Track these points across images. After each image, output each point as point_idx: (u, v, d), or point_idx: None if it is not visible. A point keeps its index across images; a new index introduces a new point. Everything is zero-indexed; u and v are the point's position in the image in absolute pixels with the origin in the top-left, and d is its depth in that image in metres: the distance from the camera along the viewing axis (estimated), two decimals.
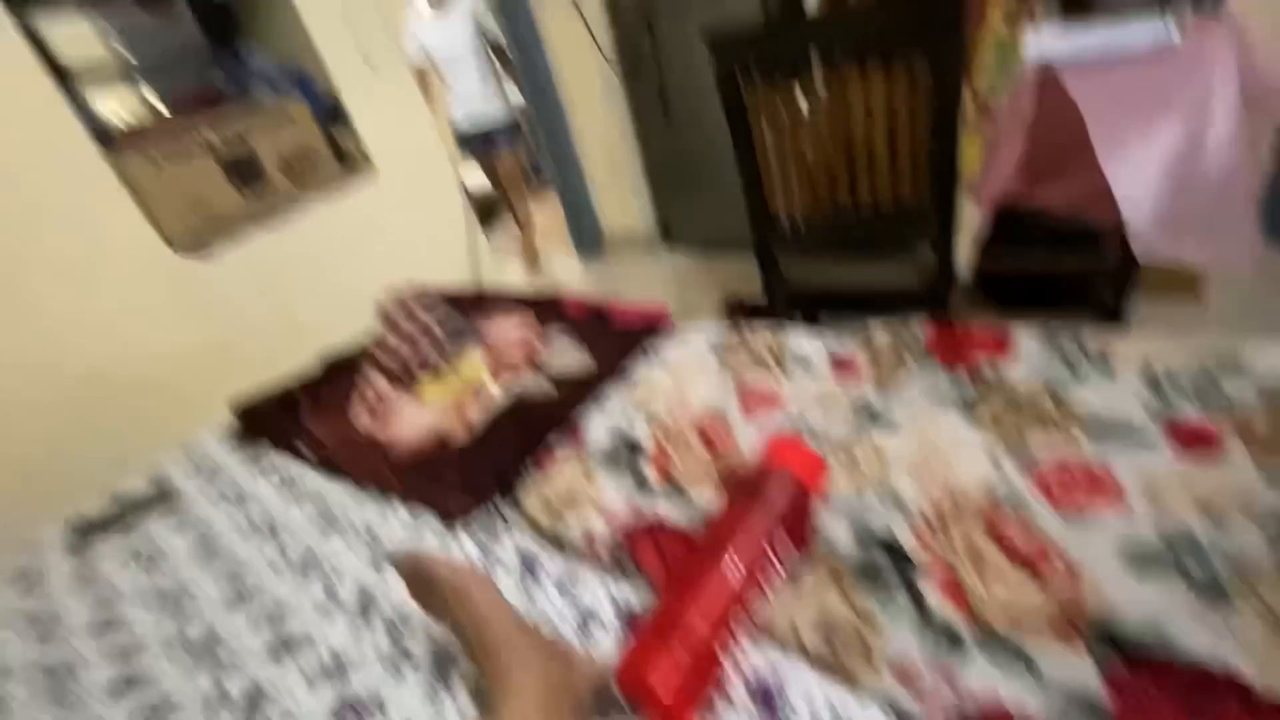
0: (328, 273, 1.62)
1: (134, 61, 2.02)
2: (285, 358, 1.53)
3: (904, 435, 0.64)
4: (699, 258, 2.85)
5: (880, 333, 0.78)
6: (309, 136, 1.55)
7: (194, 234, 1.38)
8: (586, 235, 3.05)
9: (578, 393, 0.84)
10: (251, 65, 1.63)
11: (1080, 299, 1.73)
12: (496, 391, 0.92)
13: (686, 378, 0.81)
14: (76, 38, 1.44)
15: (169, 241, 1.35)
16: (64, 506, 1.09)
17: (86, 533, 0.93)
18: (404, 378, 1.02)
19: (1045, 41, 1.28)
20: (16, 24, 1.15)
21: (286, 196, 1.53)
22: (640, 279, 2.80)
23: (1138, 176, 1.28)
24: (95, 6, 1.50)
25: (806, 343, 0.81)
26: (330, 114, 1.62)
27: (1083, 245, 1.59)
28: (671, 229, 2.94)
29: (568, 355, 0.93)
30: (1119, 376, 0.63)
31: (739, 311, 2.02)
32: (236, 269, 1.47)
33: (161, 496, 0.98)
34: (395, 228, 1.77)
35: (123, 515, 0.95)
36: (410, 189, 1.82)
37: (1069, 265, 1.62)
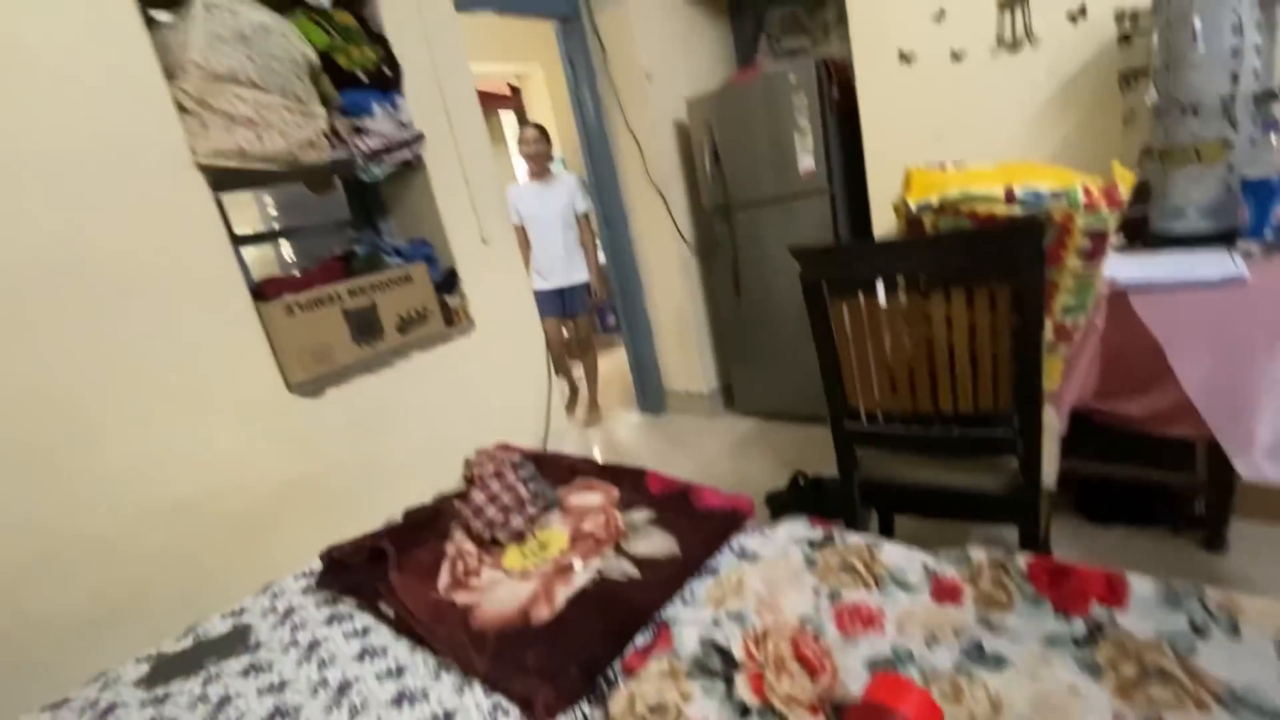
0: (420, 421, 1.73)
1: (283, 225, 2.35)
2: (371, 500, 1.60)
3: (1015, 676, 0.61)
4: (759, 423, 2.89)
5: (980, 556, 0.77)
6: (424, 298, 1.74)
7: (311, 379, 1.52)
8: (650, 393, 3.17)
9: (662, 583, 0.84)
10: (385, 237, 1.89)
11: (1173, 513, 1.65)
12: (579, 567, 0.93)
13: (776, 582, 0.81)
14: (241, 204, 1.70)
15: (288, 383, 1.49)
16: (144, 637, 1.12)
17: (163, 672, 0.94)
18: (488, 541, 1.05)
19: (1118, 270, 1.36)
20: (213, 198, 1.39)
21: (396, 350, 1.68)
22: (700, 438, 2.84)
23: (1226, 396, 1.27)
24: (272, 186, 1.81)
25: (903, 558, 0.80)
26: (445, 279, 1.83)
27: (1173, 457, 1.55)
28: (734, 395, 3.02)
29: (652, 538, 0.95)
30: (1247, 640, 0.60)
31: (806, 484, 2.01)
32: (336, 409, 1.58)
33: (238, 637, 0.99)
34: (484, 382, 1.90)
35: (199, 656, 0.97)
36: (502, 347, 1.97)
37: (1158, 478, 1.57)
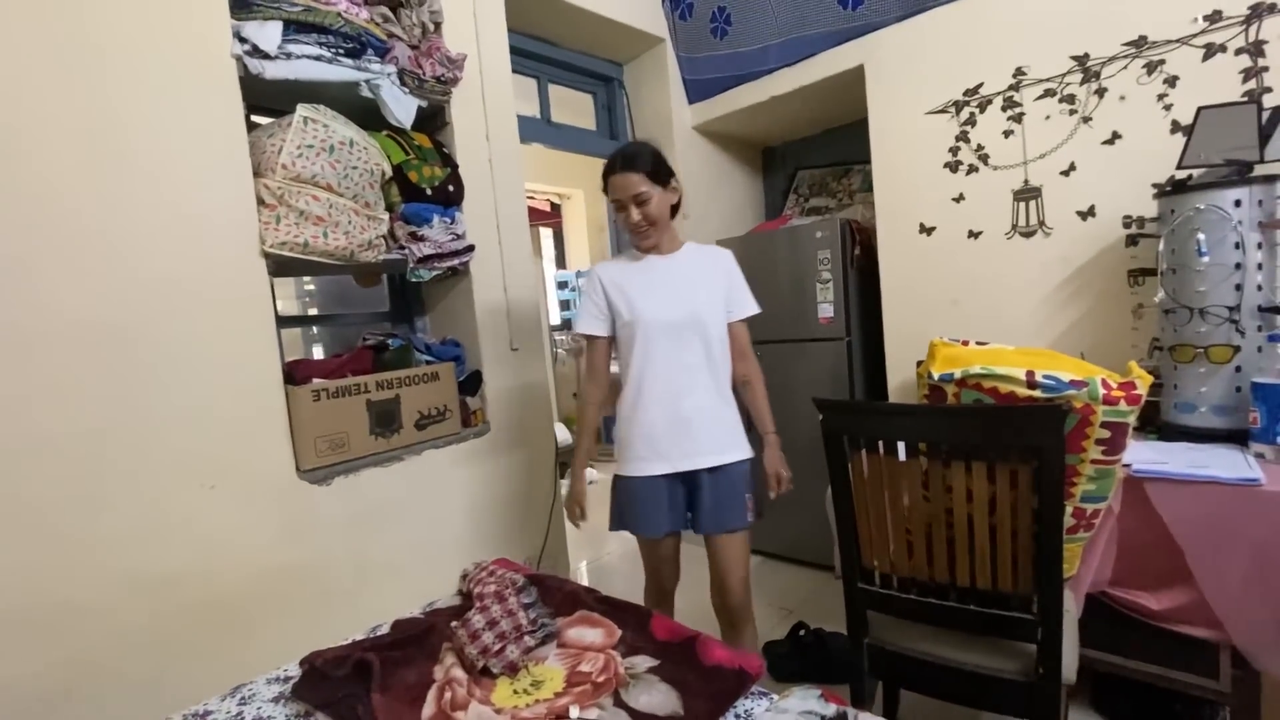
0: (420, 521, 1.70)
1: (319, 305, 2.45)
2: (358, 599, 1.55)
3: None
4: (760, 562, 2.79)
5: None
6: (447, 397, 1.77)
7: (323, 466, 1.51)
8: None
9: None
10: (419, 333, 1.96)
11: (1197, 716, 1.55)
12: (575, 714, 0.88)
13: None
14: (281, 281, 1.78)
15: (298, 468, 1.49)
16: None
17: None
18: (479, 670, 0.99)
19: (1138, 458, 1.38)
20: (269, 282, 1.46)
21: (409, 445, 1.69)
22: (700, 569, 2.73)
23: (1249, 609, 1.24)
24: (320, 275, 1.91)
25: None
26: (470, 379, 1.87)
27: (1195, 658, 1.48)
28: None
29: (654, 692, 0.90)
30: None
31: (807, 638, 1.91)
32: (340, 499, 1.56)
33: None
34: (490, 488, 1.88)
35: None
36: (513, 454, 1.97)
37: (1179, 680, 1.49)
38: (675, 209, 1.53)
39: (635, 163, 1.43)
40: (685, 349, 1.47)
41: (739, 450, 1.51)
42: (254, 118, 1.51)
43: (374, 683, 0.96)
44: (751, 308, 1.57)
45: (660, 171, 1.45)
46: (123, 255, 1.25)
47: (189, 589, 1.31)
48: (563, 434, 3.26)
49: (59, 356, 1.17)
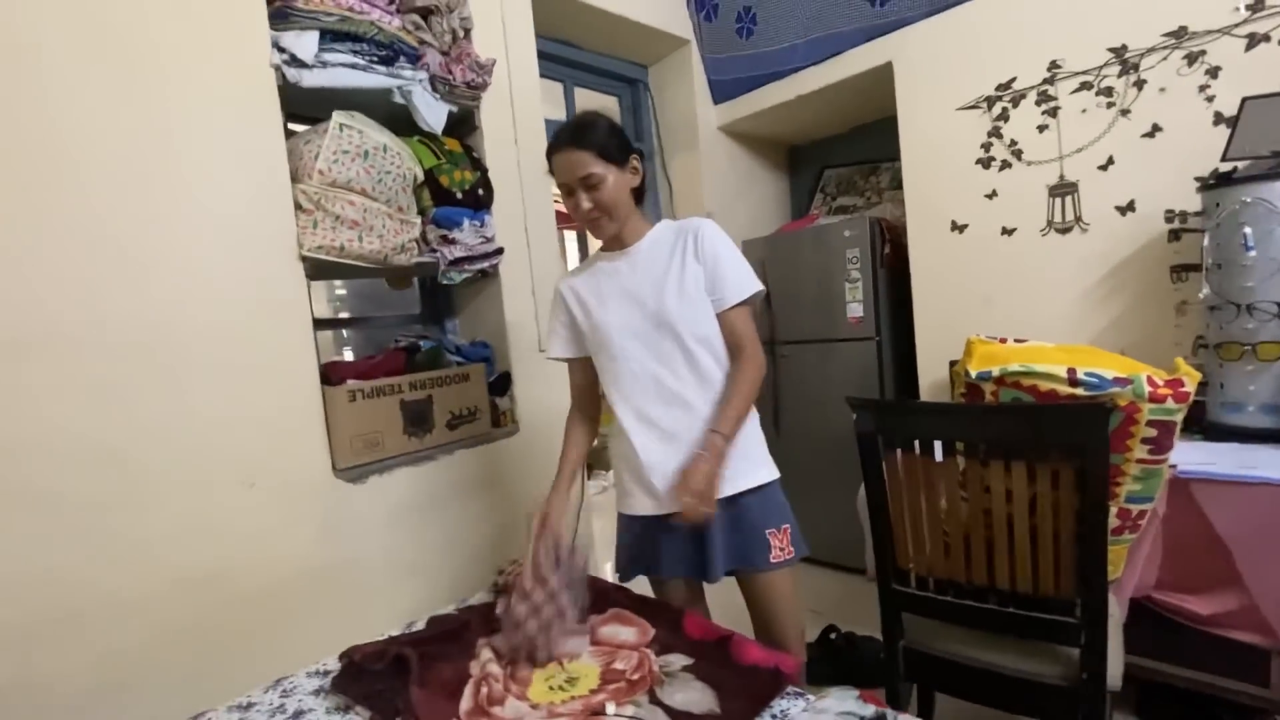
0: (451, 519, 1.72)
1: (350, 307, 2.49)
2: (392, 596, 1.57)
3: None
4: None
5: None
6: (477, 398, 1.79)
7: (358, 465, 1.54)
8: None
9: None
10: (449, 335, 1.98)
11: None
12: (612, 710, 0.88)
13: None
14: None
15: (334, 467, 1.52)
16: (142, 716, 1.07)
17: None
18: (522, 659, 1.01)
19: (1184, 458, 1.34)
20: (306, 285, 1.50)
21: (441, 445, 1.71)
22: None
23: None
24: (355, 278, 1.95)
25: None
26: (499, 380, 1.89)
27: (1243, 665, 1.43)
28: None
29: (690, 690, 0.90)
30: None
31: (839, 641, 1.89)
32: (375, 498, 1.59)
33: None
34: (519, 487, 1.90)
35: None
36: (542, 453, 1.98)
37: (1229, 689, 1.44)
38: (639, 194, 1.25)
39: (583, 137, 1.16)
40: (661, 360, 1.20)
41: (752, 475, 1.21)
42: (290, 125, 1.55)
43: (412, 677, 0.98)
44: (740, 289, 1.20)
45: (615, 147, 1.17)
46: (167, 260, 1.29)
47: (230, 585, 1.34)
48: None
49: (106, 360, 1.21)
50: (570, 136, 1.17)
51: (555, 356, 1.37)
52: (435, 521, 1.69)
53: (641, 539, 1.26)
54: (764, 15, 2.53)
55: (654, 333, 1.20)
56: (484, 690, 0.95)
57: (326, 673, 1.09)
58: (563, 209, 2.34)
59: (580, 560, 1.17)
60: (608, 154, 1.17)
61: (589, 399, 1.38)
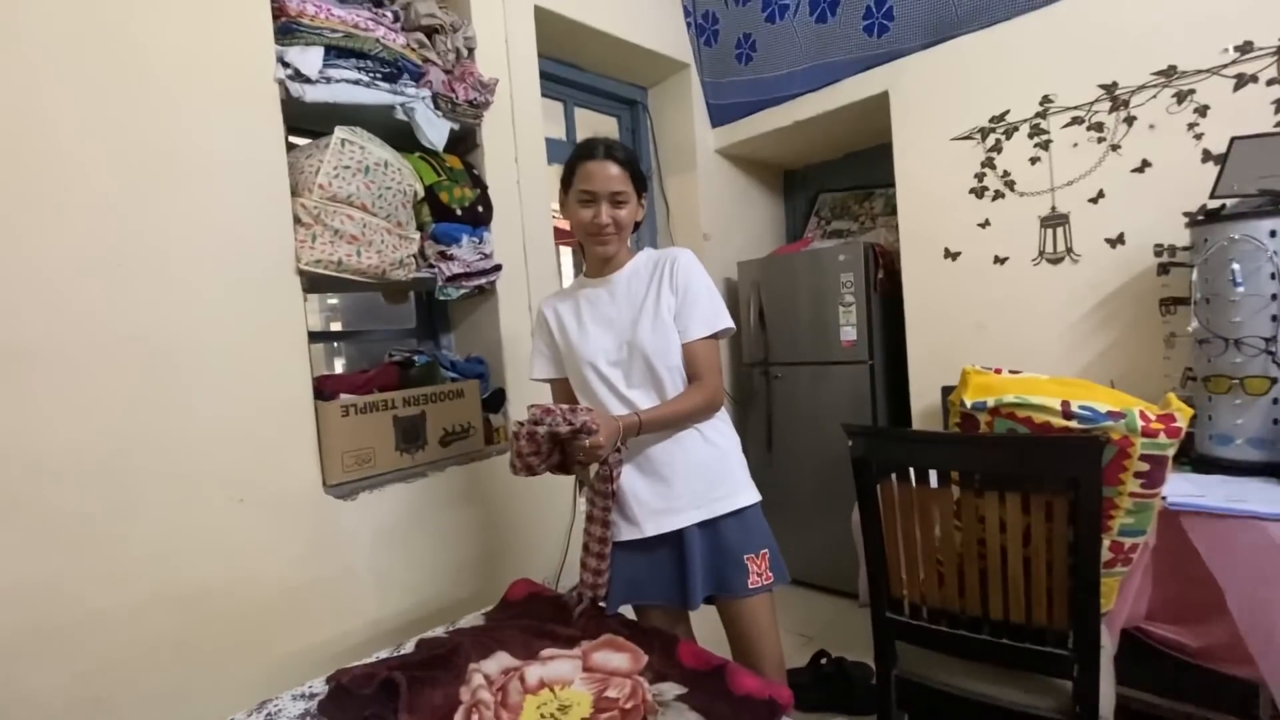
0: (441, 538, 1.70)
1: (344, 321, 2.48)
2: (380, 615, 1.55)
3: None
4: (779, 588, 2.75)
5: None
6: (471, 414, 1.78)
7: (349, 480, 1.52)
8: None
9: None
10: (444, 350, 1.98)
11: None
12: None
13: None
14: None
15: (325, 483, 1.50)
16: None
17: None
18: (506, 687, 0.99)
19: (1174, 490, 1.35)
20: (302, 299, 1.49)
21: (433, 462, 1.70)
22: None
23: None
24: (352, 291, 1.94)
25: None
26: (494, 398, 1.88)
27: (1237, 698, 1.44)
28: None
29: None
30: None
31: (828, 666, 1.87)
32: (364, 514, 1.57)
33: None
34: (510, 505, 1.88)
35: None
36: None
37: None
38: (635, 228, 1.32)
39: (624, 157, 1.22)
40: (634, 386, 1.23)
41: (733, 499, 1.23)
42: (292, 138, 1.55)
43: (401, 703, 0.96)
44: (705, 323, 1.22)
45: (640, 179, 1.26)
46: (161, 270, 1.28)
47: (216, 601, 1.32)
48: None
49: (95, 370, 1.20)
50: (611, 151, 1.21)
51: (537, 377, 1.41)
52: (426, 539, 1.67)
53: (622, 566, 1.25)
54: (763, 42, 2.57)
55: (628, 360, 1.23)
56: (475, 717, 0.93)
57: (313, 695, 1.07)
58: (561, 225, 2.34)
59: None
60: (637, 181, 1.24)
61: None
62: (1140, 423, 1.01)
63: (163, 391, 1.27)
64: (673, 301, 1.23)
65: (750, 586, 1.20)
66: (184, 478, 1.29)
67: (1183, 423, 1.01)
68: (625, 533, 1.24)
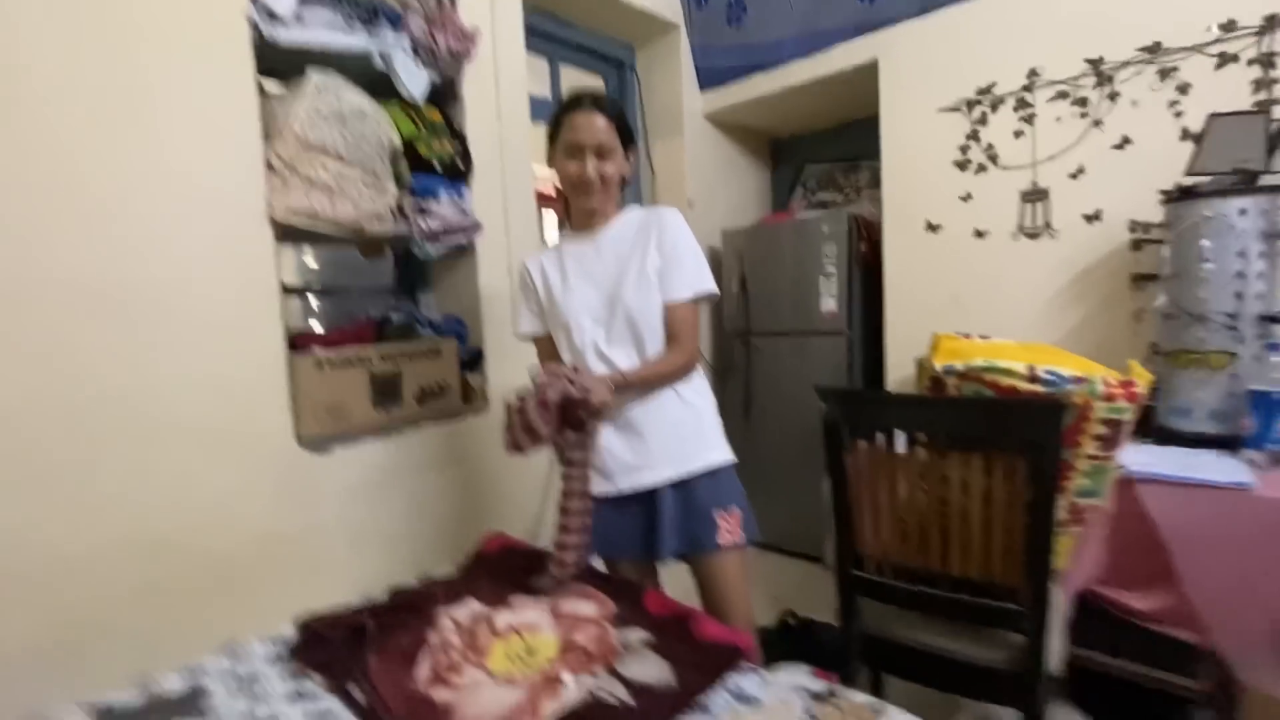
0: (417, 494, 1.71)
1: (321, 278, 2.44)
2: (352, 569, 1.55)
3: None
4: (753, 552, 2.81)
5: None
6: (448, 373, 1.77)
7: (322, 434, 1.52)
8: None
9: (656, 716, 0.80)
10: (423, 309, 1.96)
11: (1174, 719, 1.57)
12: (569, 681, 0.89)
13: None
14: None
15: (298, 435, 1.49)
16: (89, 679, 1.04)
17: None
18: (473, 637, 1.00)
19: (1132, 459, 1.39)
20: (274, 249, 1.46)
21: (409, 419, 1.69)
22: None
23: (1232, 610, 1.26)
24: (322, 245, 1.91)
25: None
26: (471, 357, 1.87)
27: (1181, 660, 1.50)
28: None
29: (647, 663, 0.91)
30: None
31: (796, 627, 1.93)
32: (339, 469, 1.57)
33: (191, 699, 0.93)
34: (487, 464, 1.89)
35: (147, 714, 0.90)
36: None
37: (1162, 680, 1.51)
38: (621, 184, 1.29)
39: (610, 109, 1.20)
40: (614, 343, 1.23)
41: (706, 456, 1.24)
42: (266, 85, 1.50)
43: (370, 645, 0.97)
44: (690, 285, 1.21)
45: (628, 132, 1.24)
46: (128, 217, 1.24)
47: (184, 549, 1.31)
48: None
49: (60, 317, 1.17)
50: (597, 103, 1.20)
51: (523, 332, 1.40)
52: (400, 496, 1.68)
53: (601, 520, 1.24)
54: (753, 6, 2.53)
55: (610, 316, 1.23)
56: (442, 659, 0.95)
57: (281, 640, 1.08)
58: (544, 190, 2.29)
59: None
60: (624, 134, 1.23)
61: None
62: (1102, 388, 1.04)
63: (128, 335, 1.25)
64: (658, 261, 1.22)
65: (720, 543, 1.22)
66: (151, 424, 1.27)
67: (1142, 388, 1.04)
68: (600, 486, 1.25)
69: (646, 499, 1.24)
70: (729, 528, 1.24)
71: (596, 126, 1.18)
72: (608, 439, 1.25)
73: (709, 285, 1.25)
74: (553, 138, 1.26)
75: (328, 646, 1.00)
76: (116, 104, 1.22)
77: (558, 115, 1.24)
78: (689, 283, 1.23)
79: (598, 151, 1.19)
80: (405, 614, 1.08)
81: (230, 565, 1.37)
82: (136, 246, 1.25)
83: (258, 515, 1.42)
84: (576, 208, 1.28)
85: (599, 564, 1.32)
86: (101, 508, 1.22)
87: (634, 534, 1.26)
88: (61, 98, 1.16)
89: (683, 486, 1.23)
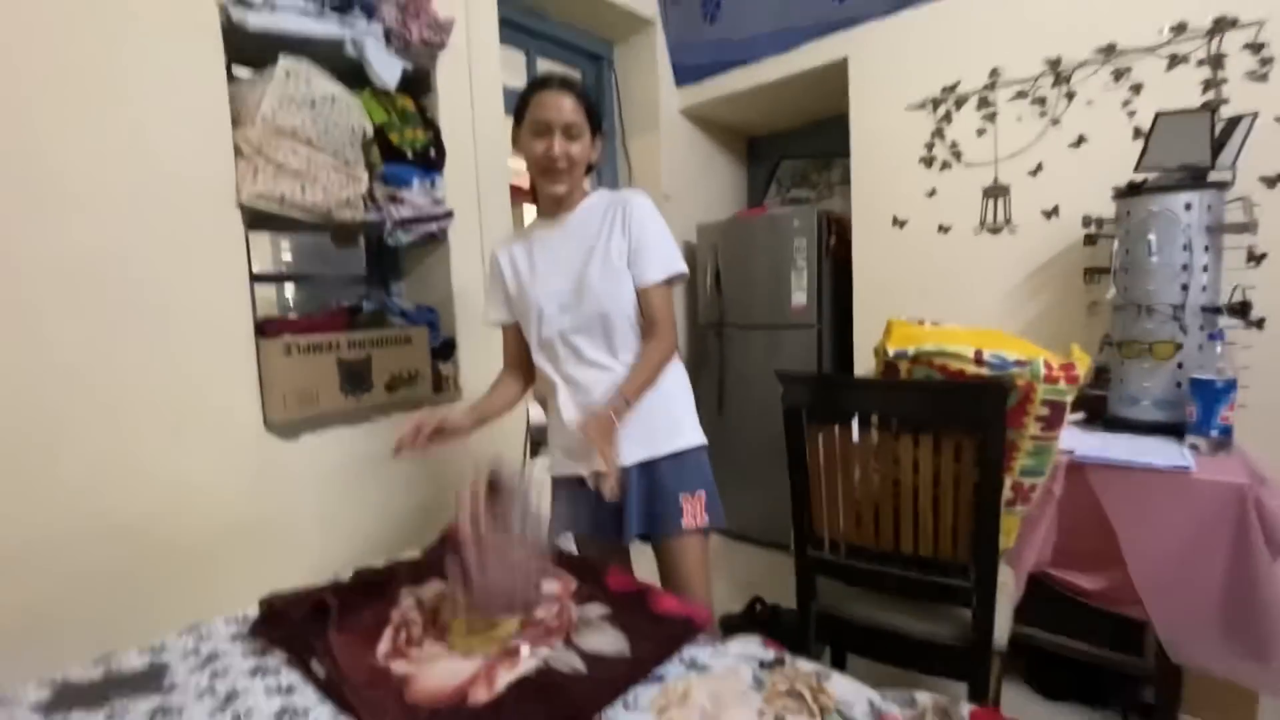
0: (386, 481, 1.72)
1: (295, 267, 2.43)
2: (319, 554, 1.56)
3: None
4: (723, 541, 2.85)
5: (926, 700, 0.78)
6: (419, 361, 1.78)
7: (291, 420, 1.52)
8: None
9: (608, 682, 0.83)
10: (394, 298, 1.96)
11: (1124, 696, 1.63)
12: (526, 652, 0.91)
13: (722, 698, 0.80)
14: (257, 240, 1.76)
15: (266, 421, 1.49)
16: (49, 658, 1.04)
17: (65, 700, 0.88)
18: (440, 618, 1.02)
19: (1077, 443, 1.44)
20: (244, 235, 1.46)
21: (379, 407, 1.70)
22: None
23: (1169, 589, 1.32)
24: (294, 232, 1.90)
25: (851, 692, 0.80)
26: (443, 346, 1.88)
27: (1126, 639, 1.56)
28: None
29: (604, 635, 0.94)
30: None
31: (763, 612, 1.97)
32: (307, 454, 1.57)
33: (152, 675, 0.94)
34: (457, 452, 1.89)
35: (106, 689, 0.91)
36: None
37: (1109, 658, 1.57)
38: (589, 170, 1.29)
39: (577, 90, 1.20)
40: (581, 329, 1.23)
41: (676, 439, 1.25)
42: (237, 70, 1.50)
43: (332, 622, 0.98)
44: (660, 268, 1.20)
45: (595, 116, 1.23)
46: (94, 201, 1.24)
47: (149, 533, 1.31)
48: (535, 410, 3.25)
49: (25, 298, 1.16)
50: (565, 83, 1.20)
51: (493, 321, 1.41)
52: (368, 483, 1.68)
53: (563, 499, 1.30)
54: (728, 3, 2.56)
55: (576, 303, 1.23)
56: (402, 634, 0.96)
57: (245, 620, 1.09)
58: (519, 183, 2.30)
59: (528, 488, 1.06)
60: (591, 117, 1.22)
61: (523, 364, 1.41)
62: (1043, 370, 1.08)
63: (96, 321, 1.24)
64: (624, 246, 1.21)
65: (683, 526, 1.22)
66: (117, 407, 1.27)
67: (1081, 371, 1.09)
68: (569, 468, 1.27)
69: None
70: (693, 511, 1.23)
71: (564, 105, 1.17)
72: (574, 417, 1.25)
73: (679, 265, 1.23)
74: (519, 118, 1.24)
75: (290, 623, 1.01)
76: (83, 88, 1.22)
77: (525, 95, 1.23)
78: (661, 265, 1.21)
79: (565, 131, 1.17)
80: (369, 593, 1.09)
81: (197, 550, 1.37)
82: (102, 230, 1.25)
83: (225, 500, 1.42)
84: (543, 193, 1.26)
85: (569, 543, 1.34)
86: (66, 493, 1.21)
87: (602, 515, 1.25)
88: (27, 82, 1.16)
89: (649, 468, 1.23)
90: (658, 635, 0.93)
